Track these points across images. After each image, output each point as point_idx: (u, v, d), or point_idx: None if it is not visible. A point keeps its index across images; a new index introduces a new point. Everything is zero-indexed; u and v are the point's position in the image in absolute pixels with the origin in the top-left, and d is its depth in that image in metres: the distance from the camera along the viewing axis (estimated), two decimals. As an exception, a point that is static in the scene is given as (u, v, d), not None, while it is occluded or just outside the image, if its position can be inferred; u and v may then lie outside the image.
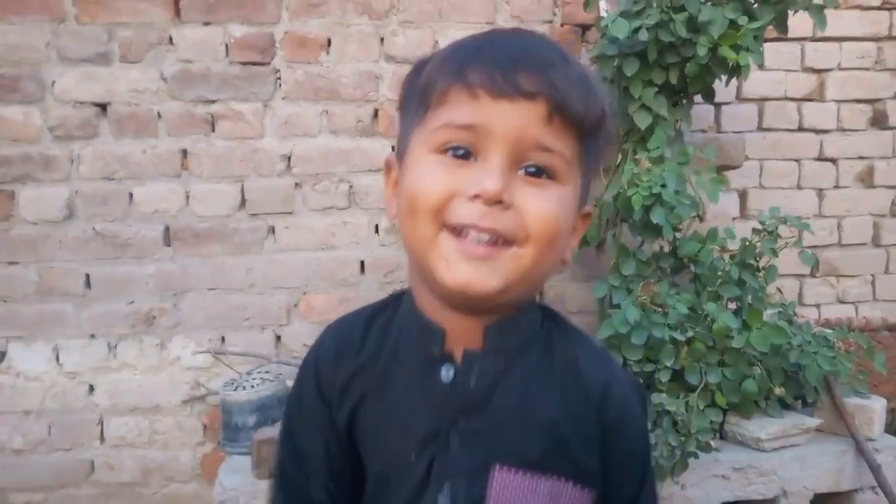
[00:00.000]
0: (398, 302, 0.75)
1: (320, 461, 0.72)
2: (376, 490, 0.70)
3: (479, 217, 0.60)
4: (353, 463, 0.72)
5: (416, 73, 0.68)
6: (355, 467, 0.72)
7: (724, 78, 1.68)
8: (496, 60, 0.61)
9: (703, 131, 2.31)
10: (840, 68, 2.42)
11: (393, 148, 2.03)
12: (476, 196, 0.60)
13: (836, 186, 2.48)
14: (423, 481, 0.66)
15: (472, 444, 0.66)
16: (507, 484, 0.66)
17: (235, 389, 1.62)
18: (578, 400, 0.68)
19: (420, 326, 0.69)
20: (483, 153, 0.61)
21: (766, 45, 1.91)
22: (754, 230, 1.72)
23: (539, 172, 0.62)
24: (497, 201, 0.60)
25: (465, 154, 0.62)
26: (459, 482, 0.66)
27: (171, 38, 1.94)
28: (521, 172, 0.62)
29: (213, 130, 1.98)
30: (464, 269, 0.61)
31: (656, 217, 1.57)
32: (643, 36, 1.55)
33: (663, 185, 1.56)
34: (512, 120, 0.60)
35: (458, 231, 0.61)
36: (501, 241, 0.61)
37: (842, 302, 2.51)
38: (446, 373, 0.67)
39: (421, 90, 0.66)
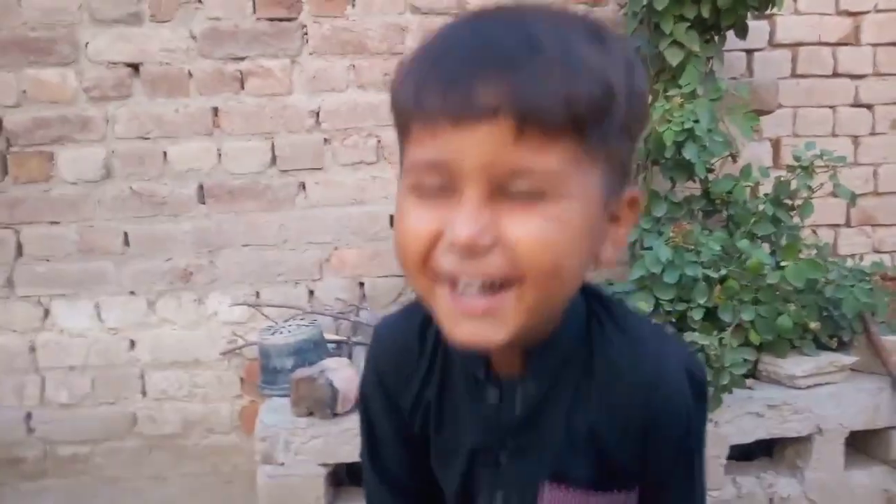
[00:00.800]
0: None
1: (398, 448, 0.74)
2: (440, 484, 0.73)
3: (462, 266, 0.53)
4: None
5: (392, 98, 0.58)
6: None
7: (756, 11, 1.65)
8: (451, 74, 0.51)
9: (735, 79, 2.27)
10: (877, 10, 2.35)
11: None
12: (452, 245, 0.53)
13: (873, 133, 2.42)
14: (476, 490, 0.69)
15: (520, 463, 0.67)
16: (557, 497, 0.66)
17: (273, 334, 1.66)
18: (622, 412, 0.64)
19: (464, 350, 0.63)
20: (459, 188, 0.52)
21: (800, -12, 1.89)
22: (788, 167, 1.69)
23: (521, 194, 0.52)
24: (477, 247, 0.52)
25: (442, 187, 0.53)
26: (511, 493, 0.68)
27: (199, -4, 1.97)
28: (508, 196, 0.52)
29: (243, 88, 2.01)
30: (466, 327, 0.55)
31: (689, 153, 1.55)
32: (673, -32, 1.53)
33: (696, 121, 1.54)
34: (477, 148, 0.50)
35: (451, 282, 0.55)
36: (498, 284, 0.54)
37: (878, 251, 2.45)
38: (492, 395, 0.66)
39: (395, 119, 0.58)
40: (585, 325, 0.65)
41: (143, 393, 2.03)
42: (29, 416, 2.01)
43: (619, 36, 0.59)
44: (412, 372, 0.70)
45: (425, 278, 0.55)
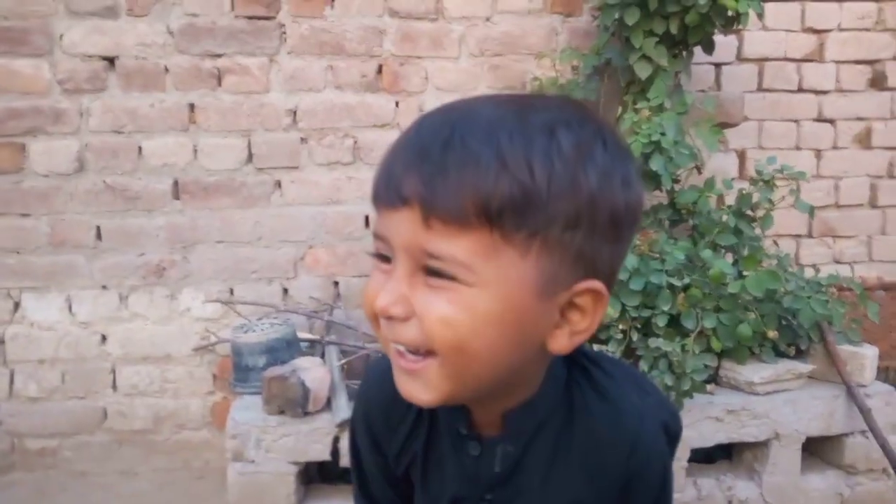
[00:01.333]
0: None
1: (383, 483, 0.79)
2: None
3: (387, 330, 0.59)
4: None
5: None
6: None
7: (723, 28, 1.70)
8: (390, 167, 0.58)
9: (703, 91, 2.34)
10: (840, 29, 2.43)
11: (397, 104, 2.07)
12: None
13: (835, 147, 2.51)
14: None
15: None
16: None
17: (246, 332, 1.68)
18: (601, 472, 0.67)
19: (448, 406, 0.68)
20: (394, 261, 0.59)
21: (767, 5, 1.94)
22: (751, 180, 1.75)
23: (439, 275, 0.56)
24: (389, 316, 0.58)
25: (389, 259, 0.60)
26: None
27: (177, -8, 1.97)
28: (425, 275, 0.57)
29: (220, 85, 2.01)
30: (402, 382, 0.61)
31: (655, 165, 1.60)
32: (645, -15, 1.57)
33: (662, 134, 1.59)
34: (399, 229, 0.57)
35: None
36: (423, 351, 0.59)
37: (838, 262, 2.54)
38: (473, 450, 0.70)
39: None
40: (566, 390, 0.68)
41: (114, 387, 2.03)
42: (-4, 409, 1.99)
43: (618, 145, 0.60)
44: (400, 420, 0.73)
45: (380, 334, 0.61)
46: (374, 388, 0.77)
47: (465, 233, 0.54)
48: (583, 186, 0.56)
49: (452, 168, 0.54)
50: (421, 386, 0.60)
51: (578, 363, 0.70)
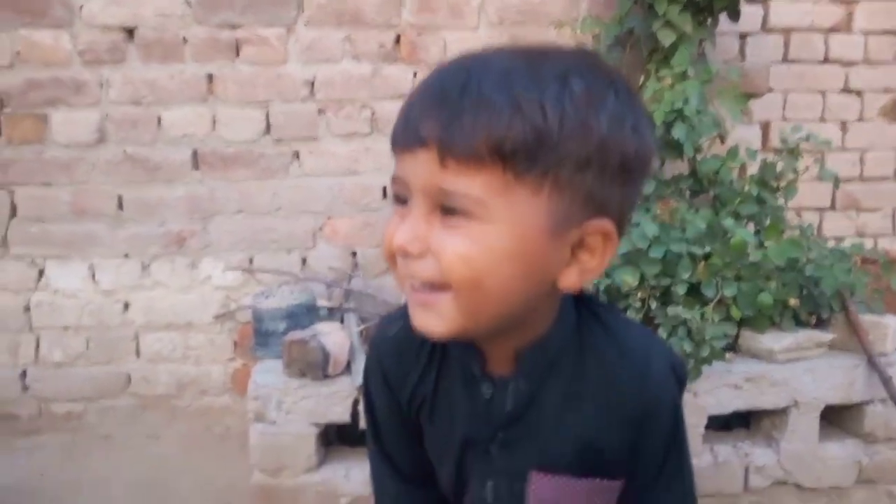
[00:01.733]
0: None
1: (397, 431, 0.80)
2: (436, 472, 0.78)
3: (404, 266, 0.62)
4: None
5: None
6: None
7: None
8: (409, 112, 0.61)
9: (728, 62, 2.30)
10: (869, -2, 2.37)
11: (415, 74, 2.06)
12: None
13: (860, 119, 2.46)
14: (466, 478, 0.74)
15: (510, 454, 0.71)
16: (544, 485, 0.71)
17: (266, 298, 1.69)
18: (613, 408, 0.69)
19: (461, 346, 0.71)
20: (410, 203, 0.62)
21: (795, -27, 1.90)
22: (775, 150, 1.72)
23: (455, 212, 0.59)
24: (407, 253, 0.61)
25: (406, 201, 0.63)
26: (500, 482, 0.72)
27: (196, -39, 1.96)
28: (441, 214, 0.60)
29: (238, 55, 2.01)
30: (417, 314, 0.64)
31: (677, 132, 1.58)
32: (668, -52, 1.54)
33: (685, 101, 1.57)
34: (416, 170, 0.60)
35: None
36: (437, 286, 0.61)
37: (861, 235, 2.50)
38: (486, 390, 0.71)
39: None
40: (576, 330, 0.70)
41: (137, 354, 2.06)
42: (24, 374, 2.03)
43: (630, 94, 0.62)
44: (413, 363, 0.75)
45: (396, 272, 0.64)
46: (386, 333, 0.78)
47: (479, 171, 0.57)
48: (593, 129, 0.59)
49: (468, 111, 0.57)
50: (435, 318, 0.62)
51: (588, 307, 0.72)
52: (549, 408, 0.70)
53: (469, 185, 0.58)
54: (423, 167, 0.59)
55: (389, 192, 0.69)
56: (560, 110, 0.57)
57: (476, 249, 0.59)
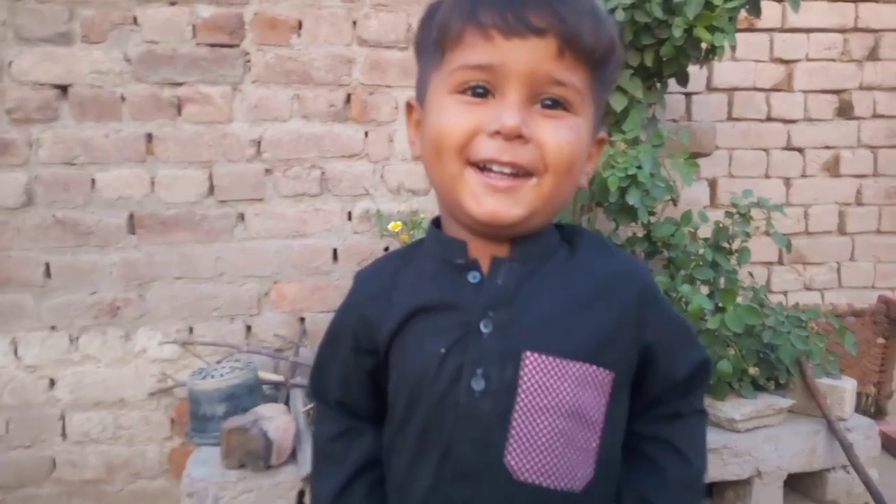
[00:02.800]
0: (422, 241, 0.81)
1: (360, 385, 0.80)
2: (408, 399, 0.73)
3: (500, 152, 0.65)
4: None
5: (429, 17, 0.71)
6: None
7: (698, 60, 1.69)
8: (508, 0, 0.64)
9: (675, 121, 2.33)
10: (808, 59, 2.46)
11: (366, 134, 2.00)
12: (496, 132, 0.65)
13: (803, 175, 2.53)
14: (455, 371, 0.70)
15: (502, 334, 0.70)
16: (537, 367, 0.69)
17: (203, 378, 1.57)
18: (601, 293, 0.72)
19: (444, 243, 0.75)
20: (500, 91, 0.65)
21: (736, 36, 1.93)
22: (727, 213, 1.73)
23: (555, 105, 0.66)
24: (516, 136, 0.64)
25: (483, 92, 0.66)
26: (491, 367, 0.69)
27: (135, 18, 1.88)
28: (538, 106, 0.66)
29: (180, 114, 1.92)
30: (490, 201, 0.66)
31: (632, 199, 1.57)
32: (619, 17, 1.55)
33: (639, 167, 1.56)
34: (525, 57, 0.63)
35: (481, 166, 0.66)
36: (522, 172, 0.66)
37: (808, 289, 2.55)
38: (473, 277, 0.72)
39: (436, 33, 0.69)
40: (565, 233, 0.77)
41: (63, 435, 1.89)
42: (-68, 461, 1.84)
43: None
44: (385, 295, 0.76)
45: (458, 162, 0.67)
46: (362, 272, 0.81)
47: (583, 67, 0.66)
48: (619, 57, 0.72)
49: (584, 13, 0.65)
50: (513, 202, 0.67)
51: (567, 226, 0.79)
52: (539, 288, 0.72)
53: (576, 77, 0.66)
54: (535, 54, 0.64)
55: (456, 84, 0.67)
56: (617, 39, 0.70)
57: (576, 138, 0.67)
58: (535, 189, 0.67)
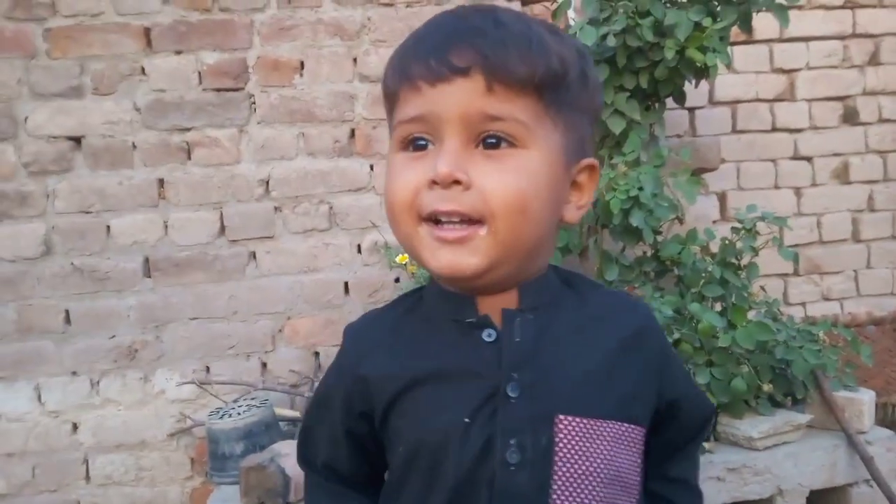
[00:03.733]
0: (417, 293, 0.77)
1: (352, 451, 0.76)
2: (427, 474, 0.68)
3: (440, 201, 0.62)
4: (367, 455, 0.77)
5: (383, 82, 0.71)
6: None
7: (693, 80, 1.70)
8: (431, 48, 0.63)
9: (679, 136, 2.34)
10: (809, 67, 2.46)
11: (371, 167, 2.04)
12: (433, 182, 0.62)
13: (814, 184, 2.51)
14: (484, 443, 0.65)
15: (530, 397, 0.65)
16: (572, 431, 0.65)
17: (221, 418, 1.60)
18: (626, 348, 0.70)
19: (451, 300, 0.70)
20: (439, 139, 0.63)
21: (735, 48, 1.95)
22: (733, 229, 1.72)
23: (497, 143, 0.62)
24: (452, 181, 0.61)
25: (424, 144, 0.64)
26: (525, 436, 0.65)
27: (143, 69, 1.94)
28: (481, 147, 0.63)
29: (189, 158, 1.98)
30: (445, 254, 0.63)
31: (635, 220, 1.57)
32: (611, 42, 1.57)
33: (640, 188, 1.57)
34: (453, 99, 0.61)
35: (433, 219, 0.63)
36: (473, 221, 0.62)
37: (826, 299, 2.52)
38: (487, 335, 0.68)
39: (386, 97, 0.70)
40: (565, 280, 0.74)
41: (87, 478, 1.93)
42: (-39, 509, 1.89)
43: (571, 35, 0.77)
44: (387, 341, 0.72)
45: (411, 221, 0.64)
46: (353, 324, 0.77)
47: (521, 97, 0.62)
48: (589, 79, 0.68)
49: (510, 42, 0.62)
50: (468, 253, 0.63)
51: (561, 270, 0.77)
52: (559, 342, 0.68)
53: (514, 108, 0.61)
54: (463, 95, 0.61)
55: (399, 141, 0.67)
56: (573, 57, 0.66)
57: (522, 176, 0.62)
58: (490, 237, 0.62)
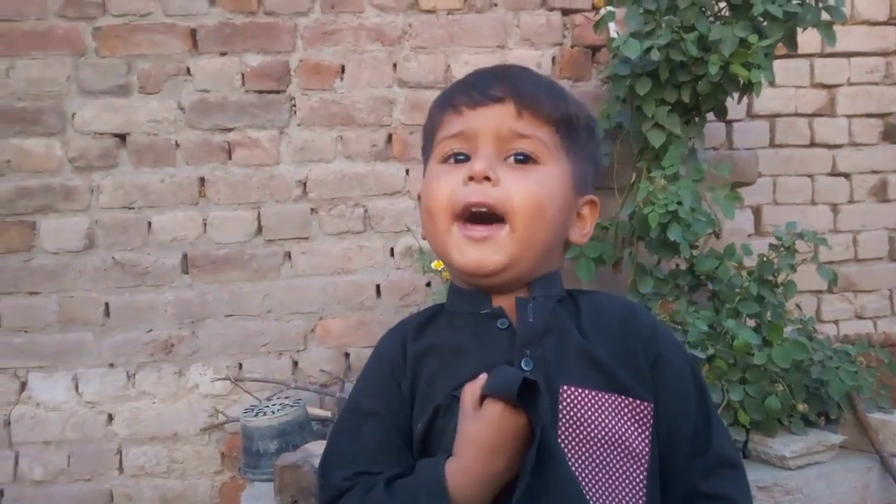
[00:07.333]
0: (441, 305, 0.87)
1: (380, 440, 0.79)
2: (435, 426, 0.75)
3: (473, 194, 0.74)
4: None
5: (426, 122, 0.86)
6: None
7: (735, 96, 1.69)
8: (472, 84, 0.80)
9: (716, 149, 2.32)
10: (850, 83, 2.43)
11: (407, 171, 2.06)
12: (469, 178, 0.75)
13: (851, 201, 2.48)
14: None
15: (540, 369, 0.73)
16: (575, 400, 0.73)
17: (256, 415, 1.62)
18: (620, 325, 0.78)
19: (468, 296, 0.80)
20: (475, 151, 0.77)
21: (776, 62, 1.92)
22: (771, 246, 1.71)
23: (525, 160, 0.77)
24: (484, 177, 0.74)
25: (464, 158, 0.78)
26: None
27: (188, 69, 1.98)
28: (511, 160, 0.77)
29: (230, 158, 2.01)
30: (472, 251, 0.75)
31: (673, 234, 1.57)
32: (655, 56, 1.57)
33: (679, 203, 1.56)
34: (489, 119, 0.77)
35: (463, 218, 0.76)
36: (496, 219, 0.74)
37: (860, 317, 2.49)
38: (501, 323, 0.77)
39: (427, 125, 0.85)
40: (567, 292, 0.84)
41: (121, 469, 1.97)
42: (1, 493, 1.93)
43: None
44: (414, 344, 0.80)
45: (446, 219, 0.76)
46: (390, 331, 0.87)
47: (544, 126, 0.78)
48: (594, 132, 0.86)
49: (538, 86, 0.80)
50: (491, 249, 0.75)
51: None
52: (565, 323, 0.77)
53: (538, 132, 0.77)
54: (497, 116, 0.77)
55: (441, 155, 0.82)
56: (584, 114, 0.83)
57: (541, 184, 0.76)
58: (510, 236, 0.75)
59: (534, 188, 0.75)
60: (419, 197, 0.85)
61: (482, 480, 0.68)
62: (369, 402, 0.79)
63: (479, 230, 0.75)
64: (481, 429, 0.68)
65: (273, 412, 1.61)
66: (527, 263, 0.77)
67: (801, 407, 1.58)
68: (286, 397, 1.73)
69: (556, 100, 0.79)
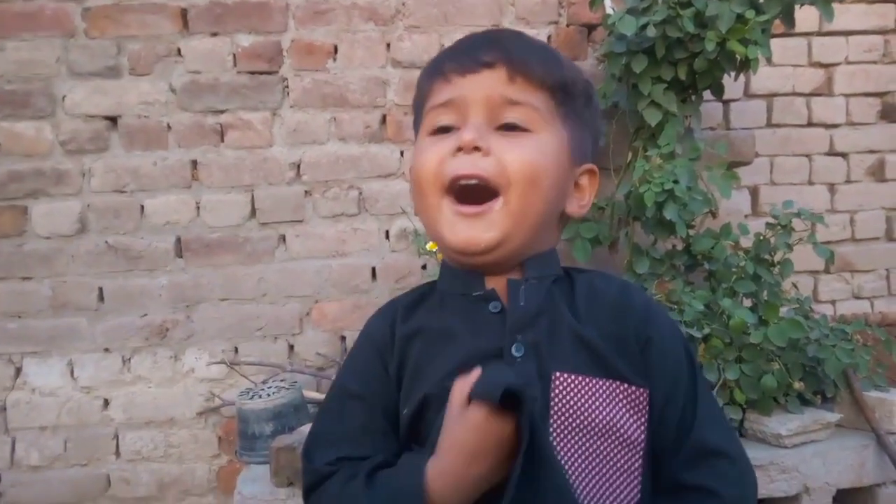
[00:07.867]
0: (432, 283, 0.84)
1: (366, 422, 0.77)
2: (424, 415, 0.73)
3: (463, 166, 0.71)
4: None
5: (415, 93, 0.82)
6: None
7: (732, 73, 1.67)
8: (462, 50, 0.75)
9: (713, 129, 2.30)
10: (847, 62, 2.41)
11: (402, 153, 2.04)
12: (458, 149, 0.71)
13: (848, 181, 2.47)
14: None
15: (532, 355, 0.71)
16: (568, 386, 0.70)
17: (251, 398, 1.62)
18: (608, 318, 0.75)
19: (460, 277, 0.78)
20: (464, 120, 0.73)
21: (773, 41, 1.90)
22: (768, 225, 1.70)
23: (513, 127, 0.72)
24: (474, 148, 0.70)
25: (452, 125, 0.74)
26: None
27: (179, 50, 1.96)
28: (501, 129, 0.72)
29: (223, 140, 1.99)
30: (463, 228, 0.72)
31: (669, 213, 1.56)
32: (651, 32, 1.55)
33: (675, 182, 1.55)
34: (479, 85, 0.72)
35: (453, 191, 0.72)
36: (489, 193, 0.71)
37: (857, 297, 2.48)
38: (493, 306, 0.74)
39: (416, 96, 0.81)
40: (564, 270, 0.81)
41: (117, 453, 1.96)
42: (-3, 479, 1.93)
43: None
44: (404, 322, 0.78)
45: (436, 192, 0.73)
46: (380, 309, 0.83)
47: (537, 91, 0.73)
48: (592, 99, 0.81)
49: (531, 50, 0.75)
50: (483, 226, 0.71)
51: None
52: (558, 307, 0.74)
53: (531, 98, 0.72)
54: (488, 82, 0.72)
55: (429, 126, 0.78)
56: (581, 79, 0.78)
57: (535, 152, 0.72)
58: (504, 209, 0.71)
59: (528, 156, 0.71)
60: (411, 172, 0.80)
61: (461, 484, 0.65)
62: (354, 384, 0.78)
63: (471, 208, 0.71)
64: (463, 432, 0.64)
65: (269, 395, 1.60)
66: (521, 238, 0.73)
67: (798, 385, 1.58)
68: (282, 380, 1.73)
69: (550, 64, 0.74)
